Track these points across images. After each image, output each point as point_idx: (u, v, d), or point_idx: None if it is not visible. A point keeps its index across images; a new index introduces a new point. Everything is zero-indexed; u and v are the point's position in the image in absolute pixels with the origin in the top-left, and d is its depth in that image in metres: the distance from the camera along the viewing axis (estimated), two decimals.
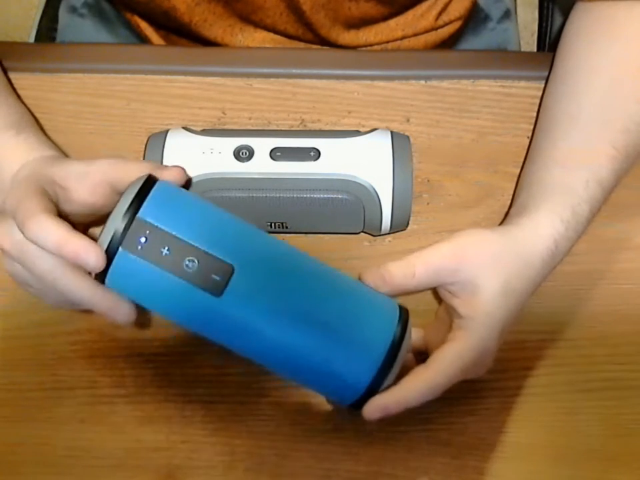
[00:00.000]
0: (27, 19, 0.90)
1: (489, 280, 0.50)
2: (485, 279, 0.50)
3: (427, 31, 0.76)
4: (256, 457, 0.55)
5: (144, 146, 0.57)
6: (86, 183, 0.51)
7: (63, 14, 0.84)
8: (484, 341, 0.50)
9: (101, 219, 0.51)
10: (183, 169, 0.51)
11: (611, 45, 0.56)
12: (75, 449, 0.55)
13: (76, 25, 0.83)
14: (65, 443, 0.55)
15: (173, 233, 0.45)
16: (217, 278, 0.45)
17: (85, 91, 0.65)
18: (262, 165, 0.55)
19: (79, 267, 0.48)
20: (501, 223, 0.58)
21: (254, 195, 0.55)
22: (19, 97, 0.62)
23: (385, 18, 0.74)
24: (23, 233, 0.47)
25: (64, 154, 0.60)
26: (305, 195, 0.55)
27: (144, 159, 0.56)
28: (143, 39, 0.79)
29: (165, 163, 0.55)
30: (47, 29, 0.85)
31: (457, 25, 0.79)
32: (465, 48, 0.83)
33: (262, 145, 0.56)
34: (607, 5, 0.57)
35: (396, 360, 0.48)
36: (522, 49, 0.88)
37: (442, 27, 0.77)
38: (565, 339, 0.58)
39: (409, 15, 0.75)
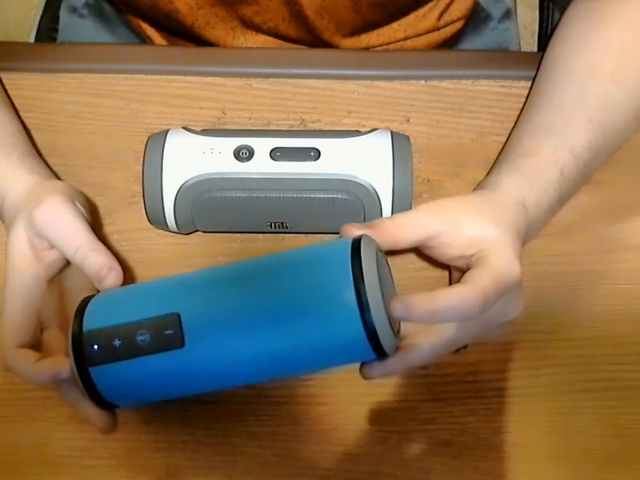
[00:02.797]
0: (27, 19, 0.91)
1: (473, 219, 0.51)
2: (470, 219, 0.50)
3: (429, 32, 0.77)
4: (256, 457, 0.55)
5: (144, 146, 0.57)
6: (41, 251, 0.52)
7: (63, 14, 0.84)
8: (506, 260, 0.48)
9: None
10: (120, 273, 0.51)
11: (594, 31, 0.57)
12: (74, 449, 0.55)
13: (76, 25, 0.83)
14: (64, 443, 0.56)
15: (113, 324, 0.46)
16: (171, 332, 0.45)
17: (85, 90, 0.65)
18: (262, 165, 0.55)
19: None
20: None
21: (254, 194, 0.55)
22: (12, 102, 0.62)
23: (388, 21, 0.74)
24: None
25: (49, 168, 0.59)
26: (305, 195, 0.55)
27: (144, 159, 0.56)
28: (145, 40, 0.79)
29: (165, 162, 0.55)
30: (47, 29, 0.85)
31: (458, 25, 0.79)
32: (466, 48, 0.83)
33: (262, 145, 0.56)
34: (600, 1, 0.57)
35: (367, 287, 0.43)
36: (522, 49, 0.88)
37: (444, 27, 0.78)
38: (565, 338, 0.58)
39: (411, 16, 0.75)
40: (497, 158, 0.59)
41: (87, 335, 0.46)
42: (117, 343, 0.45)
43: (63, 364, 0.48)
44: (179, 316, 0.45)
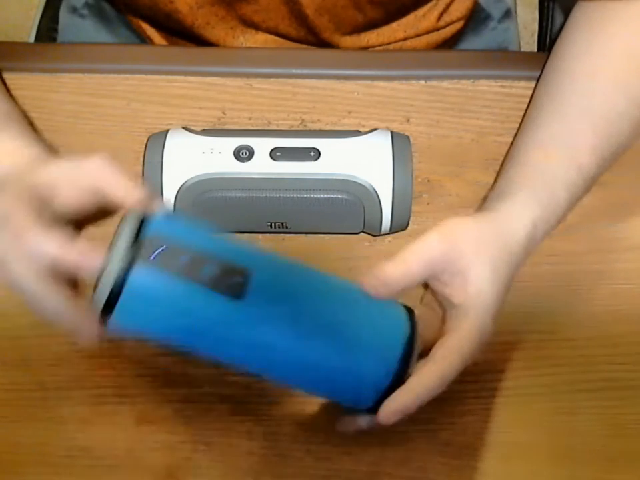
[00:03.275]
0: (27, 19, 0.90)
1: (478, 267, 0.50)
2: (474, 265, 0.50)
3: (428, 32, 0.77)
4: (256, 457, 0.55)
5: (144, 146, 0.57)
6: (73, 187, 0.50)
7: (63, 14, 0.84)
8: (482, 326, 0.50)
9: (85, 220, 0.52)
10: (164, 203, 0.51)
11: (602, 44, 0.57)
12: (74, 449, 0.55)
13: (76, 25, 0.83)
14: (65, 443, 0.55)
15: (188, 243, 0.44)
16: (238, 279, 0.44)
17: (85, 90, 0.65)
18: (262, 165, 0.55)
19: (54, 279, 0.48)
20: (480, 206, 0.58)
21: (254, 194, 0.55)
22: (10, 94, 0.62)
23: (387, 21, 0.74)
24: (18, 246, 0.47)
25: (55, 154, 0.59)
26: (305, 195, 0.55)
27: (144, 159, 0.56)
28: (145, 40, 0.79)
29: (164, 163, 0.55)
30: (47, 29, 0.85)
31: (458, 25, 0.79)
32: (466, 48, 0.83)
33: (262, 145, 0.56)
34: (603, 4, 0.57)
35: (411, 359, 0.48)
36: (522, 49, 0.88)
37: (444, 27, 0.77)
38: (565, 338, 0.58)
39: (411, 16, 0.75)
40: (504, 162, 0.59)
41: (155, 233, 0.43)
42: (183, 258, 0.43)
43: (99, 250, 0.45)
44: (250, 272, 0.44)
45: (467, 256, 0.50)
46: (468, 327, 0.50)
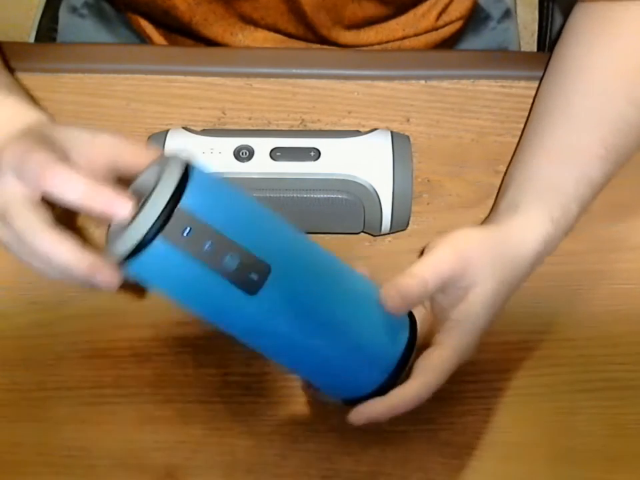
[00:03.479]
0: (27, 19, 0.90)
1: (482, 285, 0.50)
2: (479, 284, 0.50)
3: (427, 31, 0.77)
4: (256, 457, 0.55)
5: None
6: (86, 155, 0.49)
7: (63, 14, 0.84)
8: (467, 345, 0.50)
9: None
10: None
11: (604, 45, 0.57)
12: (74, 449, 0.55)
13: (76, 25, 0.83)
14: (65, 443, 0.55)
15: (217, 227, 0.43)
16: (255, 277, 0.44)
17: (85, 90, 0.65)
18: (262, 165, 0.55)
19: (58, 228, 0.45)
20: (489, 214, 0.58)
21: (254, 195, 0.55)
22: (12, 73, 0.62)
23: (386, 18, 0.74)
24: (38, 185, 0.44)
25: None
26: (304, 195, 0.55)
27: None
28: (144, 39, 0.79)
29: None
30: (47, 29, 0.85)
31: (457, 25, 0.79)
32: (466, 47, 0.83)
33: (262, 145, 0.56)
34: (603, 5, 0.57)
35: (405, 367, 0.49)
36: (522, 49, 0.88)
37: (443, 27, 0.77)
38: (565, 338, 0.58)
39: (410, 14, 0.75)
40: (511, 167, 0.59)
41: (183, 212, 0.42)
42: (207, 244, 0.42)
43: (127, 199, 0.43)
44: (270, 269, 0.44)
45: (474, 273, 0.50)
46: (454, 346, 0.50)
